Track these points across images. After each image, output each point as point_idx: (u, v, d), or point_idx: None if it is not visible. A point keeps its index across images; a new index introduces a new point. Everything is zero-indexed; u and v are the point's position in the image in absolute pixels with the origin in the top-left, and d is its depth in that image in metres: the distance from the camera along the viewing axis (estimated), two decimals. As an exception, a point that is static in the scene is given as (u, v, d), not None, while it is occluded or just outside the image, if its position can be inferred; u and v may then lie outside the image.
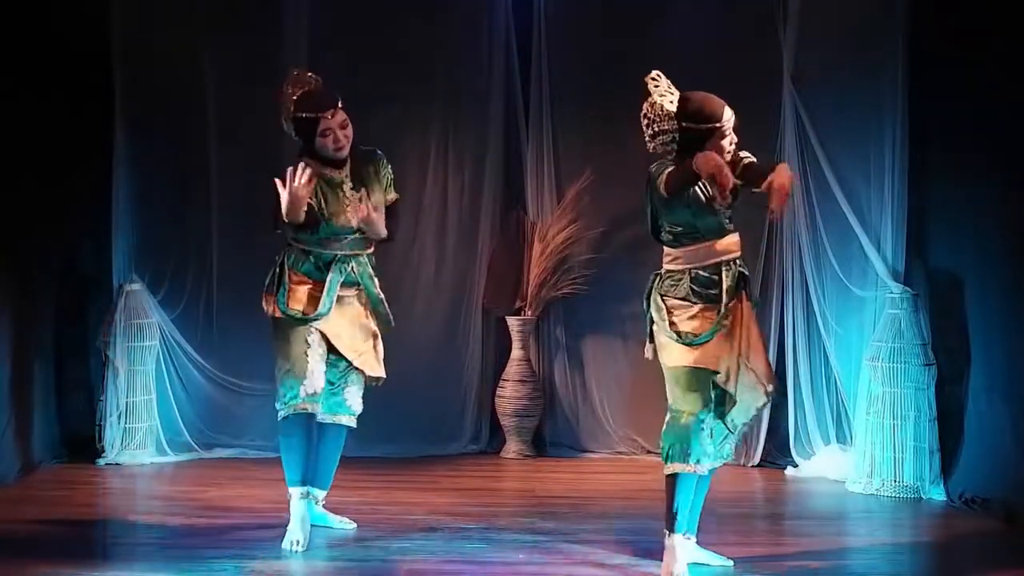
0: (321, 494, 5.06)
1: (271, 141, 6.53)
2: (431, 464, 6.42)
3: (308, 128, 4.77)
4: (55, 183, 6.16)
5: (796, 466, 6.34)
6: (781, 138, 6.39)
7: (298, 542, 4.67)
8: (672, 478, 4.30)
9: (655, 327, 4.46)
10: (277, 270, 4.80)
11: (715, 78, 6.49)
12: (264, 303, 4.82)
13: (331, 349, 4.82)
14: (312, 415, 4.75)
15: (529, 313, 6.78)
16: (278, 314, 4.74)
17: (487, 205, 6.83)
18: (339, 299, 4.79)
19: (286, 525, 4.76)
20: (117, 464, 6.23)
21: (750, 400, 4.40)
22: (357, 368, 4.89)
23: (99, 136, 6.37)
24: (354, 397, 4.95)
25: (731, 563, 4.53)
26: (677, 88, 4.67)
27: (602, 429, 6.82)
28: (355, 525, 5.05)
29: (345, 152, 4.77)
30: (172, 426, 6.46)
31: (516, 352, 6.77)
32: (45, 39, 6.01)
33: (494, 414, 6.81)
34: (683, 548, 4.36)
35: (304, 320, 4.72)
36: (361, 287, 4.87)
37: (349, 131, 4.78)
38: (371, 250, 4.92)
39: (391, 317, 4.99)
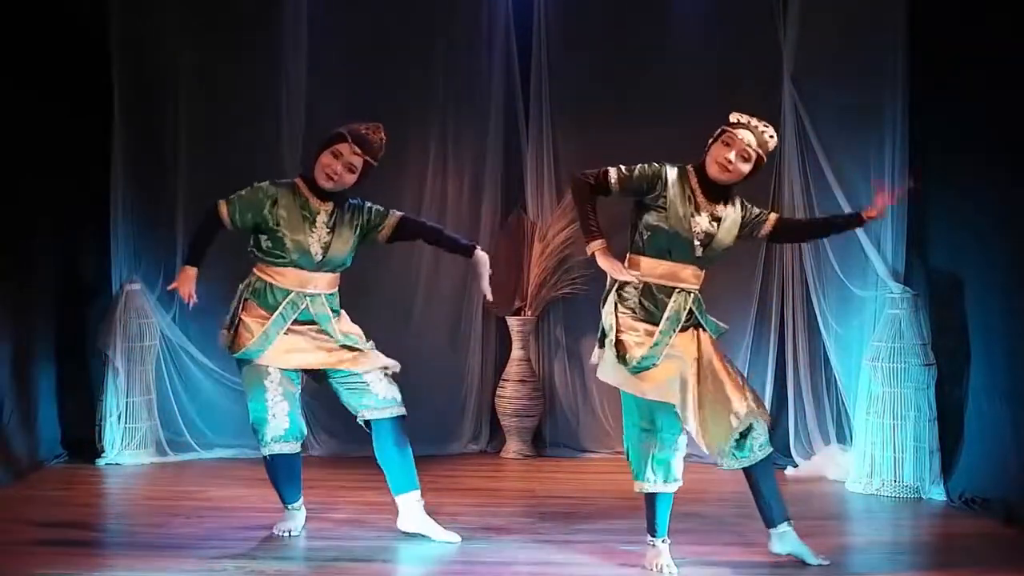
0: (414, 495, 4.92)
1: (271, 141, 6.58)
2: (431, 464, 6.40)
3: (330, 141, 4.78)
4: (55, 184, 6.17)
5: (796, 466, 6.34)
6: (781, 138, 6.37)
7: (290, 532, 4.86)
8: (647, 495, 4.48)
9: (605, 339, 4.48)
10: (235, 303, 4.82)
11: (715, 78, 6.56)
12: (220, 338, 4.86)
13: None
14: (289, 454, 4.83)
15: (529, 313, 6.78)
16: (234, 353, 4.80)
17: (487, 205, 6.84)
18: (297, 332, 4.78)
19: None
20: (117, 464, 6.24)
21: (723, 429, 4.41)
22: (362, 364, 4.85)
23: (99, 137, 6.38)
24: (386, 389, 4.85)
25: (827, 562, 4.56)
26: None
27: (602, 429, 6.82)
28: (460, 539, 4.88)
29: (328, 186, 4.73)
30: (172, 426, 6.46)
31: (516, 352, 6.77)
32: (45, 41, 6.01)
33: (494, 414, 6.81)
34: (663, 547, 4.51)
35: (251, 358, 4.76)
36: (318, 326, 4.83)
37: (348, 179, 4.74)
38: (334, 290, 4.87)
39: (363, 339, 4.90)
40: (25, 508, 5.29)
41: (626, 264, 4.46)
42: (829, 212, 5.87)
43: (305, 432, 4.94)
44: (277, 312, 4.74)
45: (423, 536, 4.84)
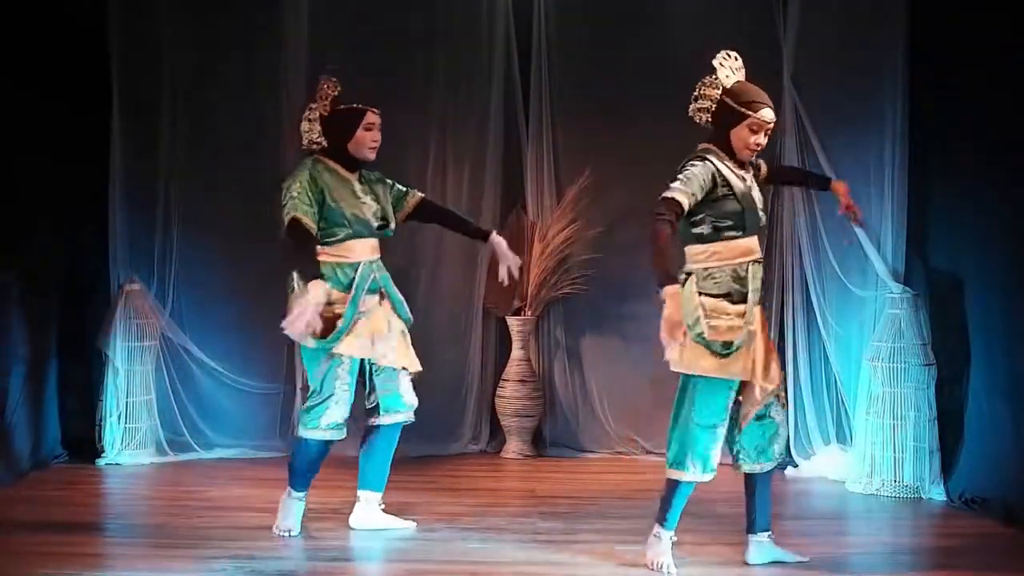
0: (377, 496, 5.06)
1: (270, 141, 6.57)
2: (431, 464, 6.42)
3: (350, 121, 4.81)
4: (55, 184, 6.16)
5: (796, 466, 6.34)
6: (781, 138, 6.38)
7: (290, 531, 4.85)
8: (673, 483, 4.43)
9: (689, 331, 4.38)
10: (296, 295, 4.75)
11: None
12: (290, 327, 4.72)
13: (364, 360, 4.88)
14: (331, 441, 4.87)
15: (529, 313, 6.78)
16: (307, 342, 4.73)
17: (487, 205, 6.83)
18: (362, 311, 4.80)
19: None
20: (117, 464, 6.24)
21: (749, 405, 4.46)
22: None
23: (98, 137, 6.37)
24: (409, 392, 4.99)
25: (807, 559, 4.60)
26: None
27: (602, 429, 6.82)
28: (414, 524, 5.07)
29: (375, 155, 4.87)
30: (172, 426, 6.46)
31: (516, 352, 6.77)
32: (45, 41, 6.00)
33: (494, 414, 6.81)
34: (668, 543, 4.49)
35: (327, 348, 4.73)
36: (384, 293, 4.91)
37: (379, 139, 4.90)
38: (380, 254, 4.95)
39: (410, 317, 5.05)
40: (25, 508, 5.29)
41: (692, 259, 4.43)
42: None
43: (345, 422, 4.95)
44: (354, 287, 4.76)
45: (381, 531, 4.97)
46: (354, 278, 4.78)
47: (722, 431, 4.43)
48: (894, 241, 5.97)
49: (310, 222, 4.71)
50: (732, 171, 4.42)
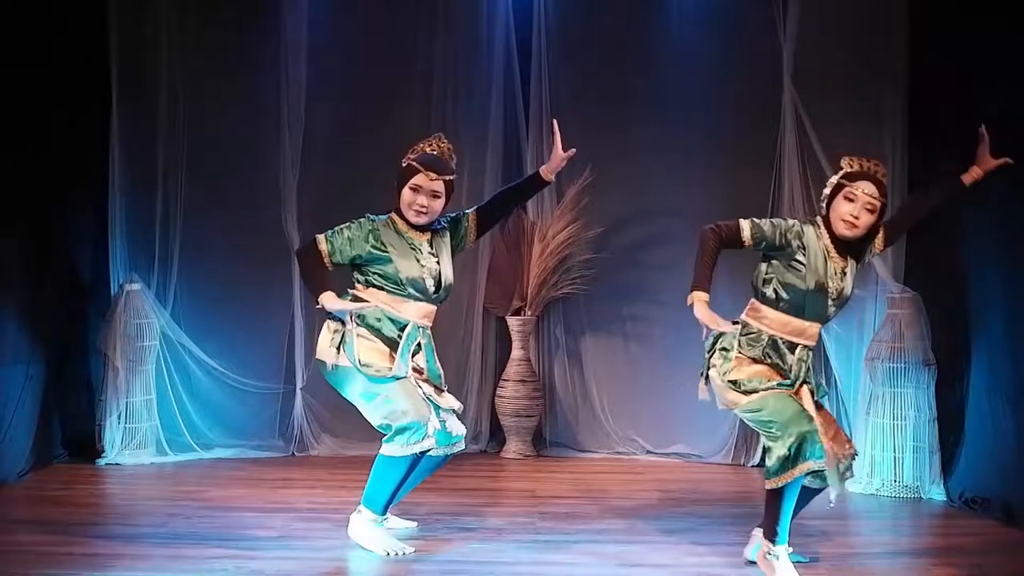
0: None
1: (270, 142, 6.58)
2: (431, 464, 6.41)
3: (404, 176, 4.71)
4: (54, 184, 6.16)
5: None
6: (781, 138, 6.38)
7: (403, 550, 4.66)
8: (778, 491, 4.29)
9: (712, 371, 4.42)
10: (344, 323, 4.64)
11: (715, 78, 6.57)
12: (323, 355, 4.68)
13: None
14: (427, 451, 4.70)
15: (529, 313, 6.78)
16: (344, 362, 4.63)
17: (487, 205, 6.82)
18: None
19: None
20: (117, 464, 6.24)
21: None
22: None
23: (98, 136, 6.37)
24: (456, 424, 4.85)
25: (806, 559, 4.56)
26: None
27: (602, 429, 6.82)
28: (415, 524, 5.04)
29: (422, 221, 4.71)
30: (172, 426, 6.46)
31: (516, 352, 6.77)
32: (45, 41, 6.00)
33: (494, 414, 6.81)
34: (786, 560, 4.37)
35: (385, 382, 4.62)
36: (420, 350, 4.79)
37: (437, 206, 4.71)
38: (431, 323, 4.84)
39: (440, 373, 4.91)
40: (25, 508, 5.29)
41: (749, 311, 4.43)
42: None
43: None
44: (400, 346, 4.66)
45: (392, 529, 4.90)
46: (399, 336, 4.67)
47: (801, 428, 4.25)
48: (894, 241, 5.97)
49: (326, 251, 4.65)
50: (823, 248, 4.34)
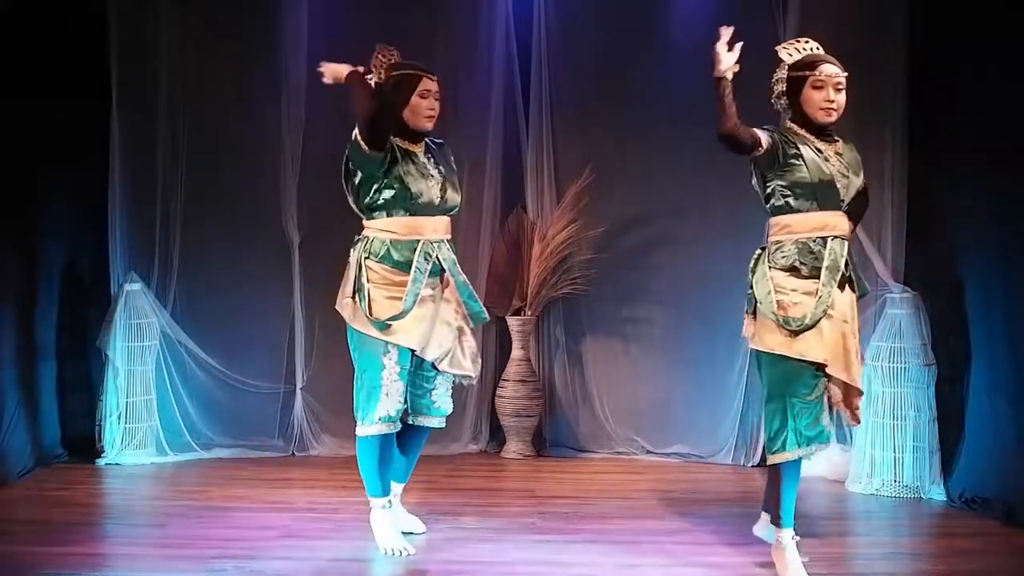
0: (398, 488, 4.93)
1: (270, 142, 6.58)
2: (431, 464, 6.40)
3: (405, 87, 4.64)
4: (54, 184, 6.16)
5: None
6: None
7: (404, 550, 4.63)
8: (776, 468, 4.33)
9: (760, 306, 4.37)
10: (356, 271, 4.60)
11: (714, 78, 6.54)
12: (341, 307, 4.64)
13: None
14: (390, 434, 4.64)
15: (529, 313, 6.78)
16: (357, 325, 4.57)
17: (487, 205, 6.82)
18: (420, 300, 4.59)
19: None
20: (117, 464, 6.24)
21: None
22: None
23: (98, 136, 6.37)
24: (443, 398, 4.80)
25: (806, 559, 4.47)
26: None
27: (602, 429, 6.82)
28: (424, 529, 4.98)
29: (432, 125, 4.68)
30: (172, 426, 6.46)
31: (516, 352, 6.77)
32: (45, 41, 6.00)
33: (494, 414, 6.81)
34: (794, 548, 4.36)
35: (383, 328, 4.54)
36: (448, 277, 4.69)
37: (438, 108, 4.71)
38: (451, 234, 4.76)
39: (484, 310, 4.86)
40: (25, 508, 5.30)
41: (771, 232, 4.41)
42: None
43: (399, 414, 4.67)
44: (413, 268, 4.54)
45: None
46: (411, 259, 4.56)
47: (807, 406, 4.28)
48: (894, 241, 5.97)
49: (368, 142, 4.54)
50: (809, 143, 4.36)
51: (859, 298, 4.46)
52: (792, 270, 4.32)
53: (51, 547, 4.66)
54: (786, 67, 4.44)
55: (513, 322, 6.77)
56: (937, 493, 5.75)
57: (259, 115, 6.59)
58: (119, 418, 6.29)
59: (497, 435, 6.86)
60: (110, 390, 6.29)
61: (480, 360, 4.80)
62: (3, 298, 5.77)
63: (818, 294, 4.27)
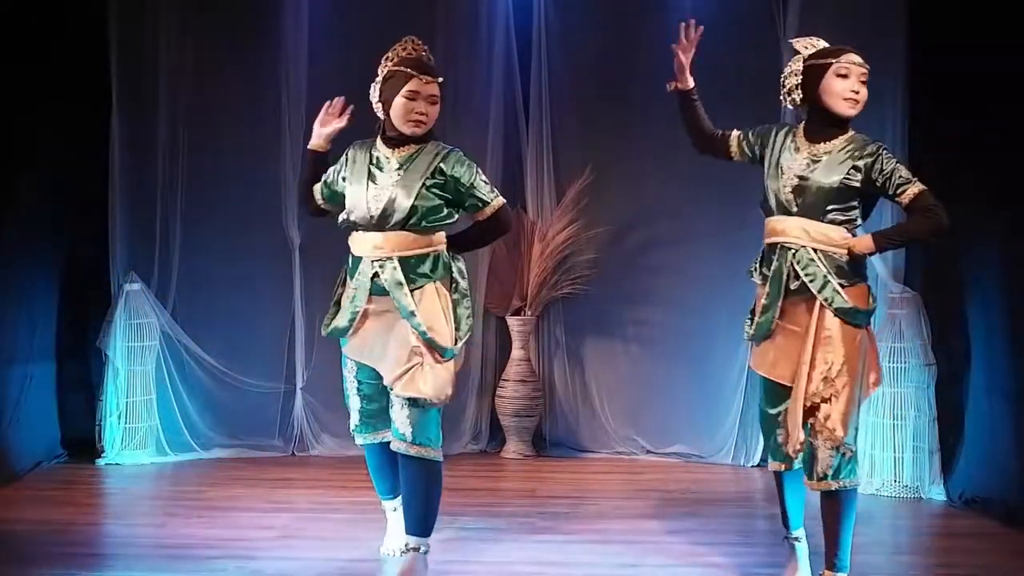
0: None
1: (270, 141, 6.57)
2: (431, 464, 6.41)
3: (395, 85, 4.20)
4: (54, 184, 6.16)
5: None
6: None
7: (393, 552, 4.60)
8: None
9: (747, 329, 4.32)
10: (338, 279, 4.45)
11: (715, 79, 6.52)
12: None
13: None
14: (370, 444, 4.52)
15: (529, 313, 6.78)
16: (323, 332, 4.44)
17: (487, 205, 6.80)
18: (374, 313, 4.27)
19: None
20: (117, 464, 6.24)
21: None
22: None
23: (97, 136, 6.37)
24: (399, 418, 4.22)
25: None
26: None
27: (602, 429, 6.82)
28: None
29: (418, 132, 4.21)
30: (172, 426, 6.45)
31: (516, 352, 6.77)
32: (44, 41, 6.00)
33: (494, 414, 6.81)
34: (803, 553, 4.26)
35: (335, 337, 4.41)
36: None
37: (434, 112, 4.22)
38: (410, 252, 4.22)
39: (450, 339, 4.22)
40: (25, 508, 5.29)
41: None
42: None
43: (373, 427, 4.47)
44: (349, 287, 4.28)
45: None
46: (356, 276, 4.27)
47: (776, 419, 4.12)
48: (894, 241, 5.96)
49: (318, 193, 4.46)
50: (797, 144, 4.12)
51: (836, 313, 3.99)
52: (763, 278, 4.18)
53: (51, 547, 4.66)
54: (802, 59, 4.16)
55: (513, 322, 6.77)
56: (937, 493, 5.75)
57: (259, 115, 6.58)
58: (119, 418, 6.28)
59: (497, 435, 6.86)
60: (110, 390, 6.29)
61: (452, 387, 4.27)
62: (3, 298, 5.77)
63: (764, 303, 4.10)
